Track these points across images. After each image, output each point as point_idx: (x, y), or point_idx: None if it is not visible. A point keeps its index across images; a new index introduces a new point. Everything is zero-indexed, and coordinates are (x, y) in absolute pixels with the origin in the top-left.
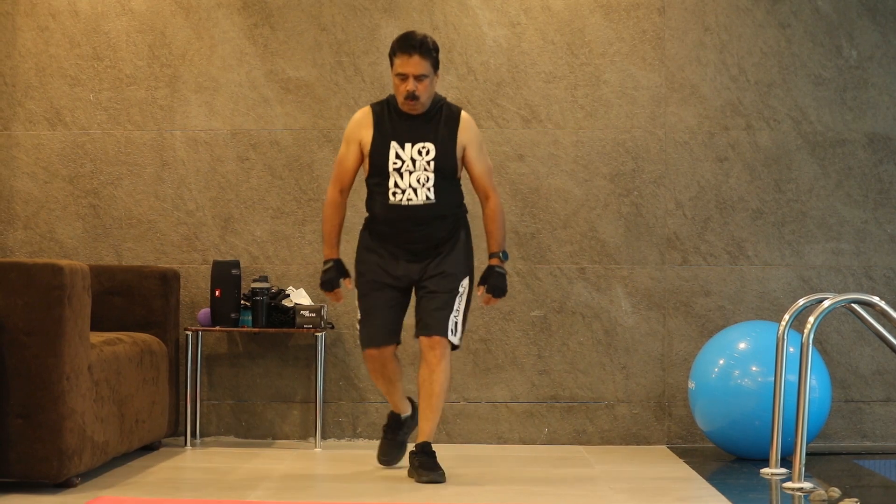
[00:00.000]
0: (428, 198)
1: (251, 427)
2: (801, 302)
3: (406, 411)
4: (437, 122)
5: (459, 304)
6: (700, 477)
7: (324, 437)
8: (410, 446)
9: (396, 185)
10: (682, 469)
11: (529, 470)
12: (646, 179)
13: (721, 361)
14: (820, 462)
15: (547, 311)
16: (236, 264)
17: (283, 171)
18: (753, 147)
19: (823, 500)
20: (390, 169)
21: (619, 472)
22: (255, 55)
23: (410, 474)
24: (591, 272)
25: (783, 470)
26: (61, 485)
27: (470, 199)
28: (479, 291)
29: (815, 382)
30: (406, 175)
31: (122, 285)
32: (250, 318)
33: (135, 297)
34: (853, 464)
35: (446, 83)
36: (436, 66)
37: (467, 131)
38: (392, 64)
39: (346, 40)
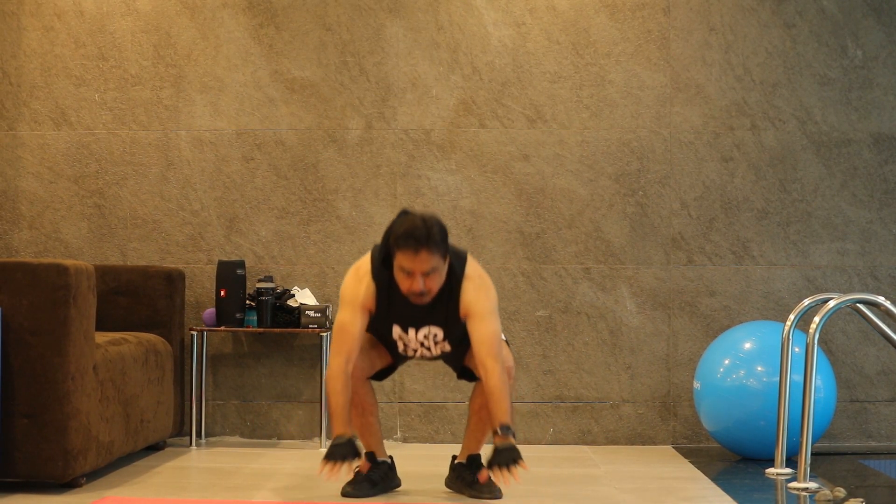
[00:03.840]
0: (444, 350)
1: (256, 427)
2: (807, 302)
3: (384, 456)
4: (444, 299)
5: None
6: (705, 477)
7: (329, 437)
8: (455, 456)
9: (406, 348)
10: (688, 469)
11: (534, 470)
12: (651, 179)
13: (726, 361)
14: (825, 462)
15: (552, 311)
16: (241, 264)
17: (288, 171)
18: (758, 147)
19: (829, 500)
20: (398, 344)
21: (625, 472)
22: (260, 55)
23: (456, 487)
24: (596, 272)
25: (788, 470)
26: (67, 485)
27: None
28: (483, 477)
29: (821, 382)
30: (413, 344)
31: (128, 285)
32: (255, 318)
33: (140, 297)
34: (858, 464)
35: (451, 83)
36: (445, 254)
37: (467, 296)
38: (393, 255)
39: (351, 40)
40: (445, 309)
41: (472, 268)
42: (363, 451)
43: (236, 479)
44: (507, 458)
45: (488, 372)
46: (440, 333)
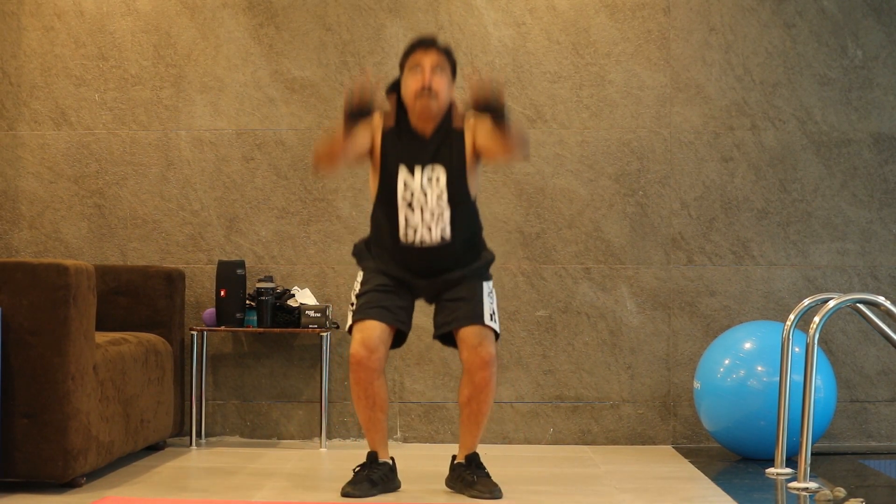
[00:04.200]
0: (443, 238)
1: (256, 427)
2: (807, 302)
3: (386, 456)
4: (444, 135)
5: (491, 300)
6: (705, 477)
7: (329, 437)
8: (454, 456)
9: (407, 223)
10: (688, 469)
11: (534, 470)
12: (651, 179)
13: (726, 361)
14: (825, 462)
15: (552, 311)
16: (241, 264)
17: (288, 171)
18: (758, 147)
19: (829, 500)
20: (399, 200)
21: (625, 471)
22: (260, 55)
23: (455, 487)
24: (597, 272)
25: (788, 470)
26: (67, 485)
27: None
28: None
29: (821, 382)
30: (418, 211)
31: (128, 285)
32: (255, 318)
33: (140, 297)
34: (858, 464)
35: None
36: (453, 70)
37: (469, 120)
38: (403, 68)
39: (351, 40)
40: (450, 150)
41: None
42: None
43: (236, 479)
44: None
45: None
46: (443, 176)
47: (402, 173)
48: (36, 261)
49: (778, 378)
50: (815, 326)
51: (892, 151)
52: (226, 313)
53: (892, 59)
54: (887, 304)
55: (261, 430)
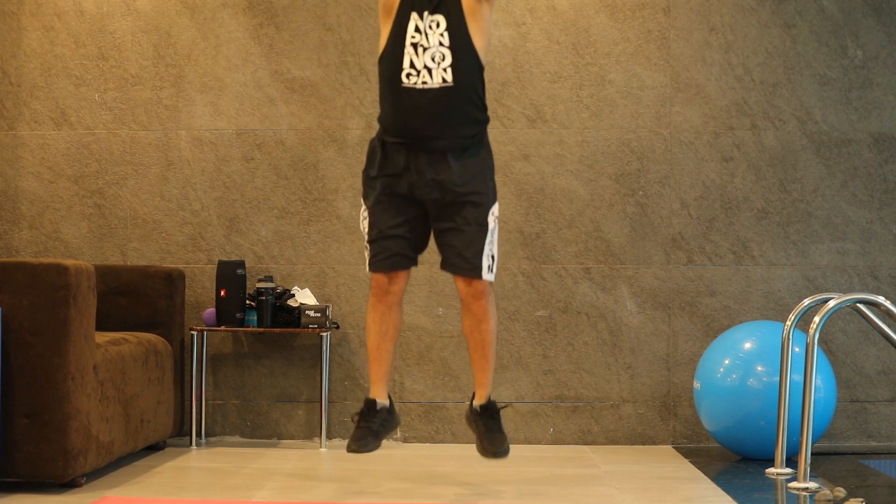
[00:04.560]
0: (444, 80)
1: (256, 427)
2: (807, 302)
3: (383, 400)
4: None
5: (492, 238)
6: (705, 477)
7: (329, 437)
8: (469, 403)
9: (412, 66)
10: (688, 469)
11: (534, 470)
12: (651, 179)
13: (726, 361)
14: (825, 462)
15: (552, 311)
16: (241, 264)
17: (288, 171)
18: (758, 147)
19: (829, 500)
20: (407, 42)
21: (625, 471)
22: (260, 55)
23: (469, 425)
24: (597, 272)
25: (788, 470)
26: (67, 485)
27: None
28: None
29: (821, 382)
30: (421, 52)
31: (128, 285)
32: (255, 318)
33: (140, 297)
34: (858, 464)
35: None
36: None
37: None
38: None
39: (351, 40)
40: (446, 4)
41: None
42: None
43: (236, 479)
44: None
45: None
46: (443, 23)
47: (414, 19)
48: (36, 261)
49: (778, 378)
50: (815, 326)
51: (892, 151)
52: (226, 313)
53: (892, 59)
54: (887, 304)
55: (261, 430)
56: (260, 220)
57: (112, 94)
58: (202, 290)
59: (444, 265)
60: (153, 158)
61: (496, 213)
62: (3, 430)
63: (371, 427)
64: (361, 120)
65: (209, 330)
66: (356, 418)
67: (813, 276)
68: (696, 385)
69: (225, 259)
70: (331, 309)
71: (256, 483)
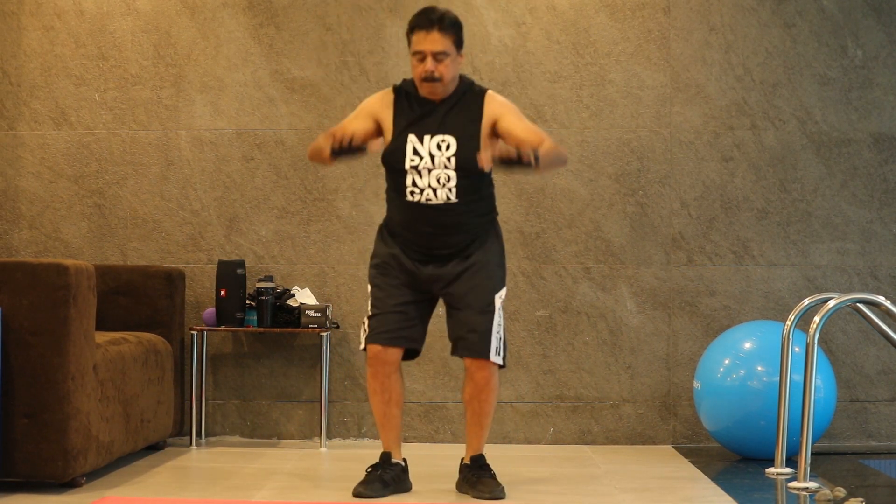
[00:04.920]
0: (448, 198)
1: (256, 427)
2: (807, 302)
3: (399, 457)
4: (459, 110)
5: (499, 320)
6: (705, 477)
7: (329, 437)
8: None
9: (415, 184)
10: (688, 469)
11: (534, 469)
12: (651, 179)
13: (726, 361)
14: (825, 462)
15: (552, 310)
16: (241, 264)
17: (288, 171)
18: (758, 147)
19: (829, 500)
20: (407, 167)
21: (625, 471)
22: (260, 55)
23: (462, 489)
24: (597, 272)
25: (788, 469)
26: (67, 484)
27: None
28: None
29: (821, 382)
30: (425, 173)
31: (128, 285)
32: (255, 317)
33: (140, 297)
34: (858, 463)
35: None
36: (459, 44)
37: (494, 103)
38: (409, 43)
39: (351, 40)
40: (462, 117)
41: (496, 94)
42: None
43: (236, 479)
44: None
45: (544, 143)
46: (453, 144)
47: (412, 142)
48: (36, 261)
49: (778, 378)
50: (815, 326)
51: (892, 151)
52: (226, 313)
53: (892, 59)
54: (887, 304)
55: (261, 430)
56: (260, 220)
57: (112, 93)
58: (202, 289)
59: (456, 349)
60: (153, 158)
61: (503, 296)
62: (3, 430)
63: (382, 477)
64: None
65: (209, 330)
66: (369, 469)
67: (813, 275)
68: (696, 385)
69: (225, 259)
70: (331, 309)
71: (256, 483)
